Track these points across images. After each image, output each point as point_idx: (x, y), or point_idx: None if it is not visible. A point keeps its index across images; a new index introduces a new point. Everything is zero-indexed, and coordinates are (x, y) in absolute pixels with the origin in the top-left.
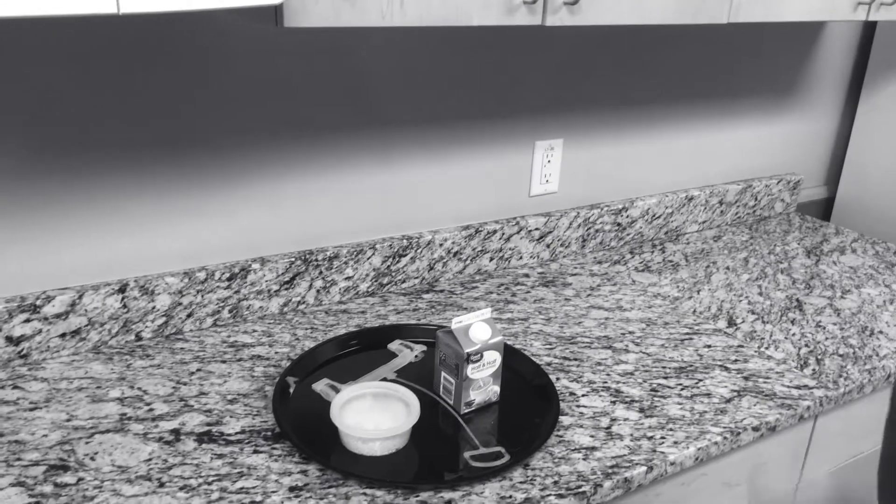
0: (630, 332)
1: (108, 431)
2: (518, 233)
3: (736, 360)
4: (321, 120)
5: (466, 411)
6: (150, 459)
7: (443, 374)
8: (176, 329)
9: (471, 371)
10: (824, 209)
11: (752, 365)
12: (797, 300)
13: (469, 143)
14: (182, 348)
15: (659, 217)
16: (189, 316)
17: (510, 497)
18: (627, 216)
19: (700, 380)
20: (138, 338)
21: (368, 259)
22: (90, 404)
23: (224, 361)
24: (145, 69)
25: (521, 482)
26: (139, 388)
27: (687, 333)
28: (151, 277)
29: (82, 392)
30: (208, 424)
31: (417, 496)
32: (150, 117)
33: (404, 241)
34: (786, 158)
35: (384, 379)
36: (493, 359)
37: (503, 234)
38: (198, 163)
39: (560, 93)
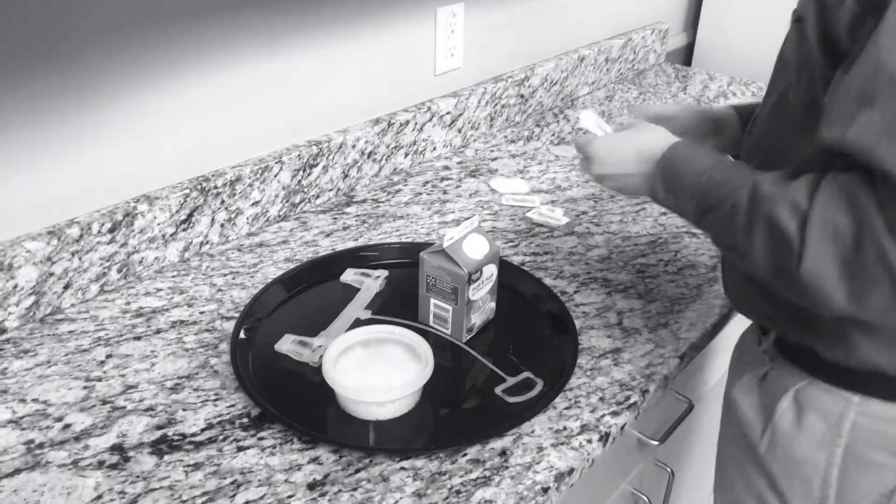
0: (583, 213)
1: (18, 472)
2: (430, 120)
3: None
4: (181, 5)
5: (468, 338)
6: (99, 496)
7: (433, 301)
8: (53, 308)
9: (471, 292)
10: (685, 55)
11: None
12: None
13: (365, 17)
14: (71, 332)
15: (556, 83)
16: (66, 287)
17: (564, 429)
18: (529, 85)
19: (676, 251)
20: (1, 330)
21: (276, 176)
22: None
23: (138, 338)
24: None
25: (566, 408)
26: (35, 400)
27: (637, 203)
28: (3, 246)
29: None
30: (158, 427)
31: (465, 455)
32: None
33: (313, 147)
34: (652, 6)
35: (358, 320)
36: (491, 273)
37: (416, 123)
38: (33, 83)
39: None
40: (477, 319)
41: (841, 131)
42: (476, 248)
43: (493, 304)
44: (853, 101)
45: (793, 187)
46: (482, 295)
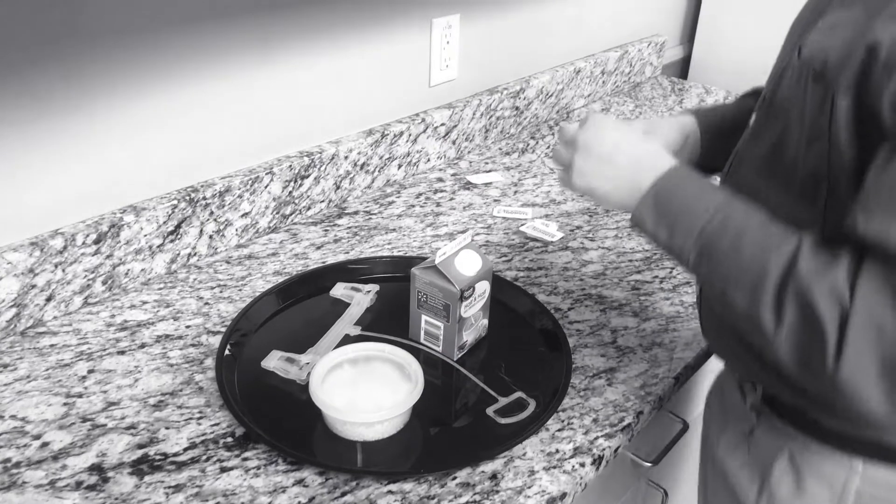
0: (578, 227)
1: None
2: (424, 131)
3: None
4: (172, 13)
5: (460, 356)
6: None
7: (424, 317)
8: (34, 321)
9: (463, 309)
10: (681, 69)
11: None
12: None
13: (360, 27)
14: (52, 345)
15: (552, 95)
16: (49, 300)
17: (557, 451)
18: (524, 97)
19: (671, 268)
20: None
21: (266, 187)
22: None
23: (122, 352)
24: None
25: (559, 430)
26: (14, 417)
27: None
28: None
29: None
30: (140, 446)
31: (454, 478)
32: None
33: (304, 158)
34: (649, 19)
35: (347, 336)
36: (483, 290)
37: (410, 134)
38: (17, 89)
39: None
40: (469, 337)
41: (885, 227)
42: (469, 265)
43: (485, 321)
44: None
45: (834, 268)
46: (474, 312)
